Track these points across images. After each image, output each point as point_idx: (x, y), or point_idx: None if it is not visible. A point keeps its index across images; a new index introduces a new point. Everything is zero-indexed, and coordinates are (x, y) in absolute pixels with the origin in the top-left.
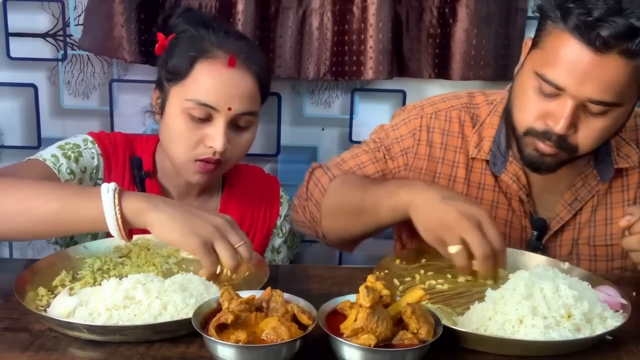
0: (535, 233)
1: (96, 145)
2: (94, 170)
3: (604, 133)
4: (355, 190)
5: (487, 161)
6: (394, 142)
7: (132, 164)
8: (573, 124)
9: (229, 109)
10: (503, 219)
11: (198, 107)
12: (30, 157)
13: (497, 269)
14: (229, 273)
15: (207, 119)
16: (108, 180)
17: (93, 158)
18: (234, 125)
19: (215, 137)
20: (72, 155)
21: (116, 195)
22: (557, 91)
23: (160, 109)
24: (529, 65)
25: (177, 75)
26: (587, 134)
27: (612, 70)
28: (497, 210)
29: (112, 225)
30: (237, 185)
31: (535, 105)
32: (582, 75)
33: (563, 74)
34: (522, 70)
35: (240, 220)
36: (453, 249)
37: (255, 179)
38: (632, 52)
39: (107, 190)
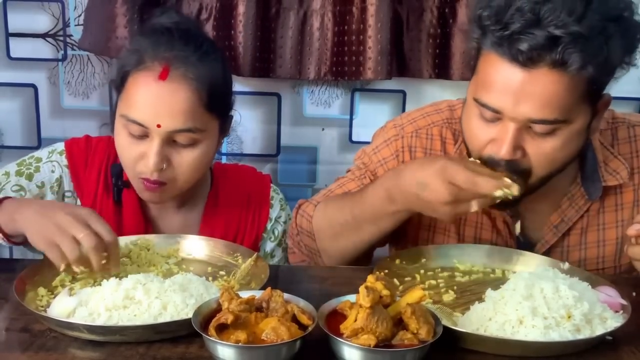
0: None
1: (63, 156)
2: (55, 184)
3: (557, 154)
4: (343, 207)
5: None
6: (377, 165)
7: (112, 172)
8: (519, 147)
9: (158, 126)
10: (488, 240)
11: (130, 123)
12: None
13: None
14: (77, 269)
15: (145, 136)
16: (79, 190)
17: (53, 171)
18: (175, 142)
19: (148, 156)
20: (27, 172)
21: None
22: (497, 115)
23: (111, 122)
24: (470, 92)
25: (117, 88)
26: (538, 157)
27: (545, 84)
28: (481, 231)
29: None
30: (223, 188)
31: (480, 133)
32: (516, 94)
33: (497, 96)
34: (466, 100)
35: (225, 228)
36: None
37: (243, 180)
38: (559, 62)
39: None
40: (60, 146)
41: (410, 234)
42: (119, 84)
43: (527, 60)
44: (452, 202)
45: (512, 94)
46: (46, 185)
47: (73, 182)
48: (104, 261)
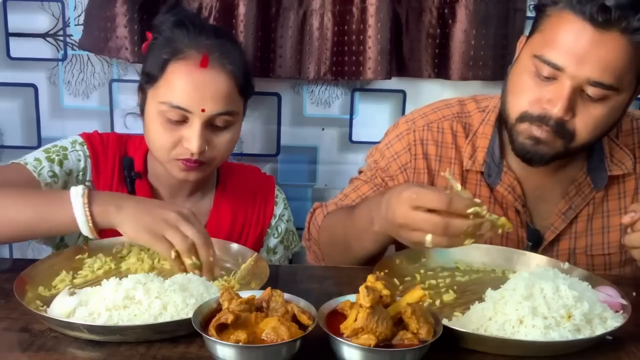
0: (529, 244)
1: (85, 146)
2: (81, 173)
3: (602, 122)
4: (339, 223)
5: (482, 172)
6: (390, 160)
7: (124, 165)
8: (571, 109)
9: (203, 110)
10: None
11: (171, 109)
12: (14, 161)
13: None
14: (189, 260)
15: (183, 121)
16: (97, 181)
17: (79, 160)
18: (212, 125)
19: (191, 139)
20: (57, 158)
21: (85, 200)
22: (556, 72)
23: (141, 111)
24: (526, 51)
25: (152, 77)
26: (585, 121)
27: (612, 49)
28: None
29: (85, 229)
30: (230, 184)
31: (531, 90)
32: (582, 53)
33: (562, 53)
34: (517, 61)
35: (233, 219)
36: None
37: (250, 178)
38: (632, 28)
39: (77, 194)
40: (79, 138)
41: None
42: (157, 73)
43: (604, 21)
44: (406, 227)
45: (578, 53)
46: (73, 173)
47: (93, 172)
48: (211, 258)
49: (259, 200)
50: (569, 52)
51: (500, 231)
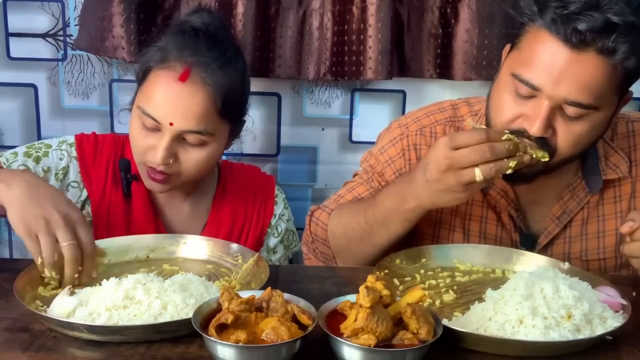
0: (522, 249)
1: (73, 148)
2: (61, 172)
3: (583, 138)
4: (356, 214)
5: None
6: (385, 165)
7: (120, 167)
8: (550, 126)
9: (171, 124)
10: (493, 234)
11: (145, 116)
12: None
13: None
14: (48, 273)
15: (157, 129)
16: (87, 183)
17: (61, 159)
18: (184, 140)
19: (157, 149)
20: (35, 154)
21: None
22: (533, 92)
23: (130, 107)
24: (506, 67)
25: (139, 80)
26: (565, 138)
27: (589, 69)
28: (486, 225)
29: None
30: (230, 184)
31: (511, 108)
32: (558, 73)
33: (539, 73)
34: (499, 74)
35: (233, 219)
36: None
37: (249, 178)
38: (608, 49)
39: None
40: (71, 139)
41: (416, 230)
42: (140, 77)
43: (579, 42)
44: (452, 169)
45: (554, 73)
46: (52, 170)
47: (82, 174)
48: (76, 275)
49: (259, 199)
50: (545, 72)
51: (534, 155)
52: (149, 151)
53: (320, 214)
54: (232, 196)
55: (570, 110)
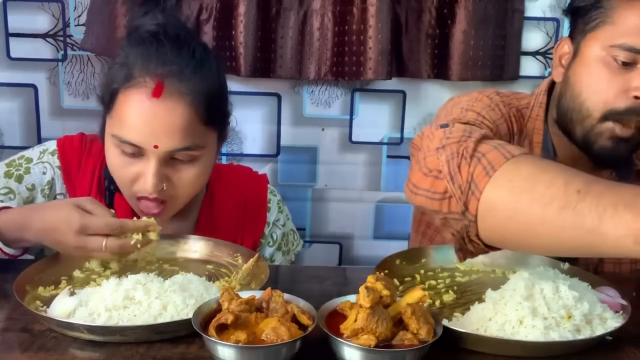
0: None
1: (55, 156)
2: (47, 187)
3: None
4: (559, 196)
5: None
6: (495, 123)
7: (105, 175)
8: None
9: (156, 146)
10: None
11: (122, 144)
12: None
13: None
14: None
15: (140, 154)
16: (71, 191)
17: (44, 173)
18: (174, 159)
19: (146, 177)
20: (16, 173)
21: None
22: (636, 56)
23: (100, 135)
24: (595, 45)
25: (105, 105)
26: None
27: None
28: None
29: None
30: (218, 189)
31: (612, 82)
32: None
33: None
34: (581, 59)
35: (224, 230)
36: None
37: (240, 182)
38: None
39: None
40: (52, 145)
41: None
42: (108, 101)
43: None
44: None
45: None
46: (37, 187)
47: (65, 183)
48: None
49: (250, 208)
50: None
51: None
52: (136, 180)
53: (489, 152)
54: (220, 210)
55: None
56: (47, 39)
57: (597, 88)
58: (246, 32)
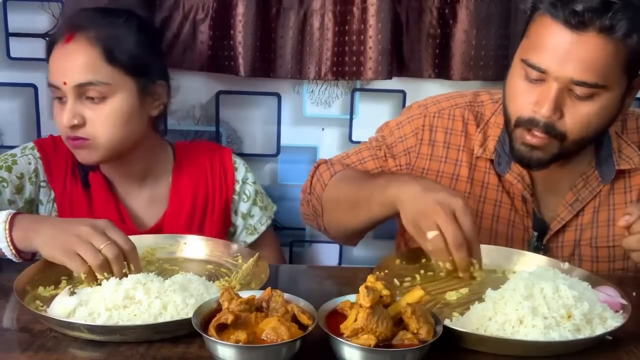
0: (535, 233)
1: (35, 150)
2: (33, 175)
3: (592, 119)
4: (351, 185)
5: (492, 160)
6: (397, 140)
7: (77, 160)
8: (558, 108)
9: (65, 83)
10: (506, 218)
11: (49, 89)
12: None
13: (470, 260)
14: (101, 276)
15: (63, 96)
16: (50, 180)
17: (30, 163)
18: (88, 99)
19: (63, 114)
20: (5, 165)
21: (7, 227)
22: (541, 75)
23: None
24: (517, 56)
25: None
26: (575, 119)
27: (591, 49)
28: (500, 209)
29: (9, 254)
30: (186, 161)
31: (522, 94)
32: (563, 55)
33: (545, 57)
34: (511, 66)
35: (194, 196)
36: (430, 234)
37: (205, 152)
38: (608, 27)
39: (0, 221)
40: (30, 144)
41: None
42: (47, 54)
43: (578, 23)
44: (429, 217)
45: (559, 55)
46: (25, 176)
47: (46, 172)
48: (125, 270)
49: (217, 170)
50: (550, 55)
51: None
52: (61, 123)
53: (325, 172)
54: (189, 172)
55: (578, 91)
56: (47, 38)
57: (512, 96)
58: (245, 32)
